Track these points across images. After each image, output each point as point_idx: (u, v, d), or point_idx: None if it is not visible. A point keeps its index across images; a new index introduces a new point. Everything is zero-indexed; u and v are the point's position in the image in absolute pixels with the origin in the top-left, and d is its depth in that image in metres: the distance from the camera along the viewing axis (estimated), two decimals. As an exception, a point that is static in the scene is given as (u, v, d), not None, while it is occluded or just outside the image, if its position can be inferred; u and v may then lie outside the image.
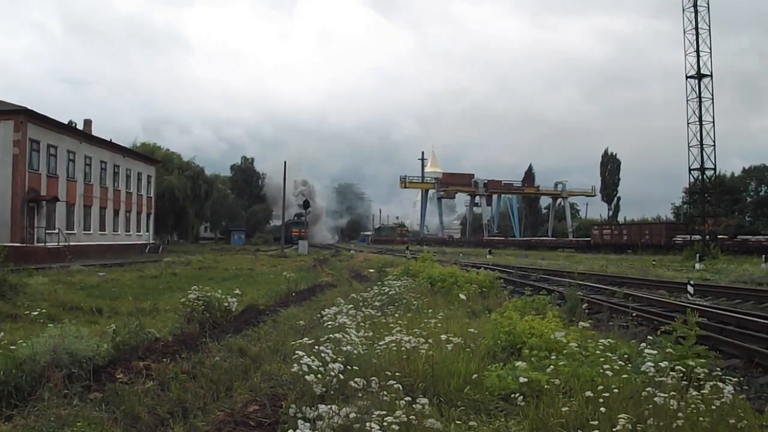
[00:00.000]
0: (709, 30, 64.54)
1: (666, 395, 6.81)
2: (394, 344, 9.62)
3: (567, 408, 7.26)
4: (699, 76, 64.16)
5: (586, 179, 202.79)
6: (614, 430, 6.29)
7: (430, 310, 15.08)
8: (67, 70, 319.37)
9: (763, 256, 50.81)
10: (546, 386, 8.17)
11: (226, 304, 16.87)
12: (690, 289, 26.95)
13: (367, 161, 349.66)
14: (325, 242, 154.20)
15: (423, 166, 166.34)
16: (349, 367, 8.08)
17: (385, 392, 7.41)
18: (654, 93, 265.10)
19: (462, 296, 17.65)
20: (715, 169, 67.18)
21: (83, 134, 68.75)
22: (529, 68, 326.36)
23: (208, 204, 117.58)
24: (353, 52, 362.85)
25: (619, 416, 6.39)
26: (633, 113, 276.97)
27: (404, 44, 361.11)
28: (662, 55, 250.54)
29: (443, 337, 10.04)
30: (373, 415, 6.37)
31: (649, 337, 11.04)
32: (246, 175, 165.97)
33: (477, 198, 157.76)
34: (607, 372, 7.95)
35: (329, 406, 6.69)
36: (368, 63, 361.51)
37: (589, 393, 7.23)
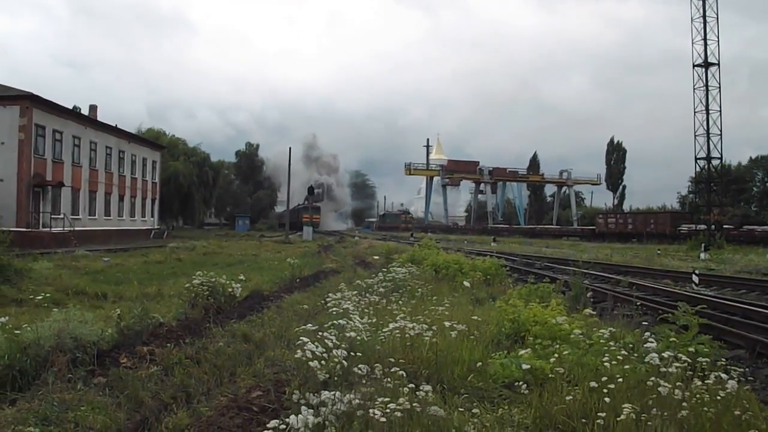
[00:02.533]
0: (717, 18, 64.37)
1: (670, 385, 6.78)
2: (398, 331, 9.58)
3: (571, 397, 7.25)
4: (706, 65, 63.99)
5: (592, 167, 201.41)
6: (618, 419, 6.27)
7: (435, 297, 15.05)
8: (72, 53, 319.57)
9: (769, 246, 50.76)
10: (550, 375, 8.17)
11: (230, 289, 16.89)
12: (695, 278, 26.93)
13: (372, 147, 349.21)
14: (335, 229, 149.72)
15: (428, 153, 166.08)
16: (352, 354, 8.08)
17: (388, 379, 7.39)
18: (663, 80, 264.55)
19: (466, 284, 17.66)
20: (721, 158, 67.01)
21: (88, 119, 68.71)
22: (537, 54, 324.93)
23: (214, 190, 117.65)
24: (362, 36, 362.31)
25: (623, 406, 6.37)
26: (642, 101, 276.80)
27: (413, 29, 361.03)
28: (672, 42, 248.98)
29: (447, 324, 10.02)
30: (377, 402, 6.36)
31: (654, 327, 11.00)
32: (251, 161, 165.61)
33: (482, 185, 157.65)
34: (611, 361, 7.91)
35: (333, 393, 6.67)
36: (376, 48, 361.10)
37: (593, 383, 7.20)
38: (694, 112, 64.40)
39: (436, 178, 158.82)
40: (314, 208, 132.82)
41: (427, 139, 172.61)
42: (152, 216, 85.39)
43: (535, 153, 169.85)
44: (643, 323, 13.16)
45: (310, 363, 7.26)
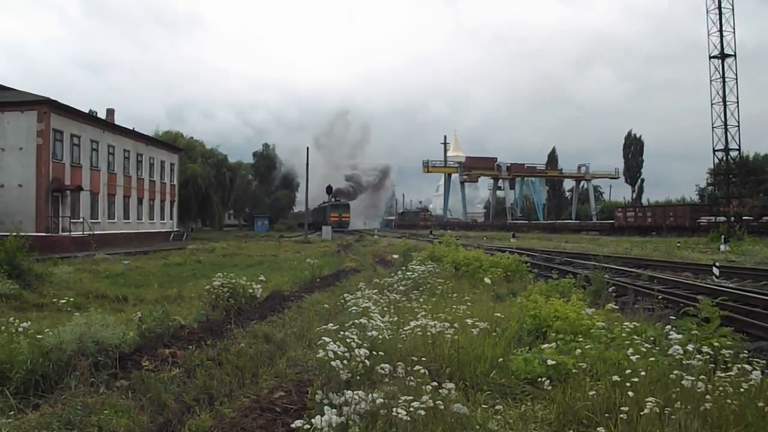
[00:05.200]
0: (732, 9, 64.19)
1: (693, 378, 6.76)
2: (419, 329, 9.57)
3: (594, 392, 7.24)
4: (722, 56, 63.79)
5: (615, 160, 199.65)
6: (642, 413, 6.26)
7: (455, 295, 15.02)
8: (88, 54, 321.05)
9: (790, 237, 50.45)
10: (573, 370, 8.15)
11: (250, 290, 16.89)
12: (715, 271, 26.80)
13: (391, 145, 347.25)
14: (356, 228, 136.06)
15: (446, 150, 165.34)
16: (374, 353, 8.08)
17: (411, 377, 7.39)
18: (685, 71, 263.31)
19: (487, 280, 17.62)
20: (739, 149, 66.82)
21: (106, 123, 69.09)
22: (559, 47, 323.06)
23: (232, 192, 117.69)
24: (381, 32, 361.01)
25: (647, 400, 6.35)
26: (662, 93, 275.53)
27: (433, 25, 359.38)
28: (694, 32, 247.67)
29: (469, 321, 10.01)
30: (400, 401, 6.36)
31: (673, 317, 10.96)
32: (268, 161, 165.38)
33: (500, 181, 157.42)
34: (634, 355, 7.90)
35: (355, 392, 6.68)
36: (396, 43, 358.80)
37: (616, 377, 7.20)
38: (711, 104, 64.29)
39: (454, 175, 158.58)
40: (343, 205, 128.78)
41: (444, 137, 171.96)
42: (171, 218, 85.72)
43: (554, 148, 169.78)
44: (665, 317, 13.12)
45: (333, 362, 7.26)
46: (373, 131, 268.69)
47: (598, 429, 6.28)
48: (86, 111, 68.78)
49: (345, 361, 7.39)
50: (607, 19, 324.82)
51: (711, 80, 64.39)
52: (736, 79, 64.04)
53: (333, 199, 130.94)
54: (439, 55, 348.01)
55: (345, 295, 14.97)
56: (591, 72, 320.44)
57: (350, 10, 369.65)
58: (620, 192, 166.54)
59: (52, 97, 54.56)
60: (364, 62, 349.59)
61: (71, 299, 14.79)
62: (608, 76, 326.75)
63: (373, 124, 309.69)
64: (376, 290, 15.41)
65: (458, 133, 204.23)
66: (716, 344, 8.35)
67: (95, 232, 57.61)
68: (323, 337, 7.71)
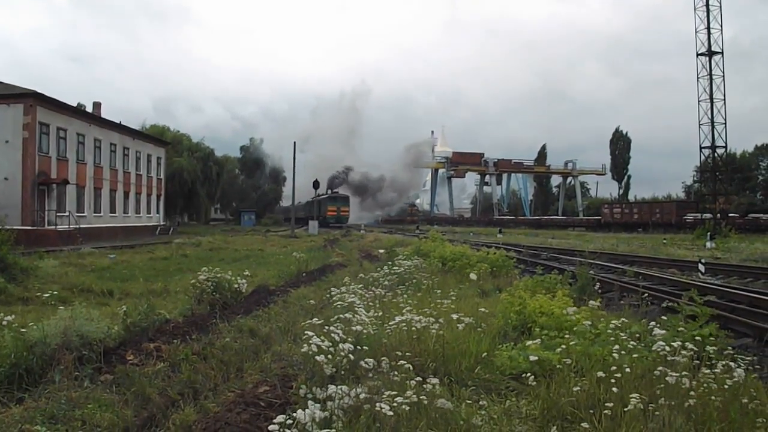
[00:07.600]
0: (720, 7, 64.56)
1: (678, 374, 6.77)
2: (404, 324, 9.57)
3: (579, 387, 7.24)
4: (710, 54, 64.22)
5: (602, 157, 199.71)
6: (626, 409, 6.26)
7: (439, 291, 15.03)
8: (75, 46, 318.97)
9: (775, 234, 50.66)
10: (557, 366, 8.15)
11: (236, 285, 16.88)
12: (701, 267, 26.87)
13: (381, 139, 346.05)
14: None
15: (433, 146, 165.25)
16: (359, 348, 8.05)
17: (395, 372, 7.39)
18: (674, 68, 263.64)
19: (473, 276, 17.61)
20: (726, 147, 67.28)
21: (92, 117, 68.65)
22: (552, 41, 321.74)
23: (218, 186, 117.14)
24: (373, 25, 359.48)
25: (631, 396, 6.36)
26: (652, 89, 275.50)
27: (424, 17, 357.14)
28: (685, 29, 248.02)
29: (454, 316, 9.99)
30: (384, 396, 6.35)
31: (664, 318, 10.99)
32: (255, 155, 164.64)
33: (487, 177, 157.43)
34: (619, 351, 7.90)
35: (339, 387, 6.65)
36: (387, 37, 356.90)
37: (600, 373, 7.20)
38: (699, 101, 64.68)
39: (441, 171, 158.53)
40: (342, 198, 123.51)
41: (432, 132, 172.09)
42: (157, 212, 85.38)
43: (544, 145, 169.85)
44: (651, 313, 13.14)
45: (317, 357, 7.25)
46: (364, 124, 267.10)
47: (582, 424, 6.30)
48: (73, 104, 68.56)
49: (329, 356, 7.38)
50: (600, 15, 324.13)
51: (698, 77, 64.92)
52: (723, 76, 64.76)
53: (330, 191, 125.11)
54: (432, 49, 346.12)
55: (331, 289, 14.96)
56: (584, 68, 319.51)
57: (341, 2, 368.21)
58: (607, 188, 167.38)
59: (39, 90, 54.35)
60: (355, 56, 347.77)
61: (56, 293, 14.79)
62: (600, 72, 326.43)
63: (364, 117, 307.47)
64: (361, 285, 15.39)
65: (450, 128, 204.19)
66: (698, 338, 8.38)
67: (81, 226, 57.30)
68: (307, 332, 7.70)
